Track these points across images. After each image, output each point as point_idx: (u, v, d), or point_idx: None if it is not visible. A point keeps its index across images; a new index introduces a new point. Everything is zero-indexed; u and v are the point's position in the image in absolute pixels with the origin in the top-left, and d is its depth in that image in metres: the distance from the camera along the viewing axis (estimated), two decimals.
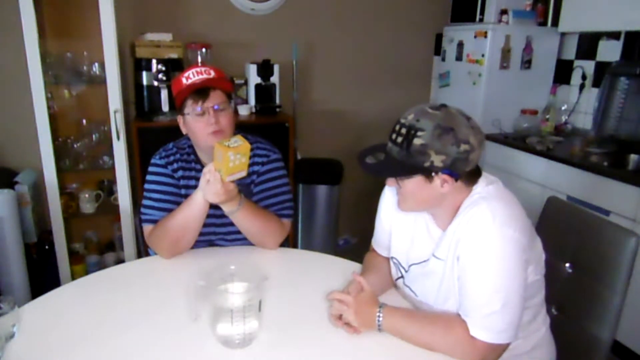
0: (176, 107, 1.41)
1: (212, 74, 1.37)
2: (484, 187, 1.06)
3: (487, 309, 0.98)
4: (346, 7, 3.20)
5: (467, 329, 0.99)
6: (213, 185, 1.22)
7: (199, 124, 1.34)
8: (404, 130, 1.00)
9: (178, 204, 1.42)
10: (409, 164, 1.00)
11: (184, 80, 1.36)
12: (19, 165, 2.64)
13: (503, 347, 1.00)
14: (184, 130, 1.43)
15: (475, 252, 1.00)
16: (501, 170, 2.75)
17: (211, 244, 1.49)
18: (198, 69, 1.36)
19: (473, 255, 1.01)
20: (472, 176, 1.06)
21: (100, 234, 2.85)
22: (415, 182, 1.03)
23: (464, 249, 1.02)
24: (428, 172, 1.01)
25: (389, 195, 1.25)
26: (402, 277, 1.22)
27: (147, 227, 1.42)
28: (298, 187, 2.93)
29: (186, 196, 1.44)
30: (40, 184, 2.50)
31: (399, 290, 1.25)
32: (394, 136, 1.02)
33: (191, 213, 1.33)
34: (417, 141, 0.98)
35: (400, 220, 1.22)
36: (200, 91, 1.34)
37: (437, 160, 0.98)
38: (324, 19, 3.17)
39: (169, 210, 1.40)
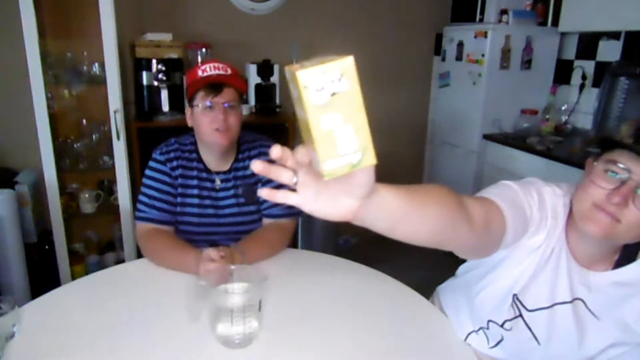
0: (187, 97, 1.41)
1: (229, 71, 1.38)
2: None
3: None
4: (346, 7, 3.20)
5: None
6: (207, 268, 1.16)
7: (206, 118, 1.33)
8: None
9: (172, 204, 1.42)
10: None
11: (199, 73, 1.35)
12: (19, 165, 2.64)
13: None
14: (189, 123, 1.42)
15: None
16: (501, 170, 2.75)
17: (211, 244, 1.48)
18: (215, 64, 1.36)
19: None
20: None
21: (100, 234, 2.85)
22: None
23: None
24: None
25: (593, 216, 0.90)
26: (519, 315, 1.00)
27: (140, 225, 1.42)
28: None
29: (181, 195, 1.43)
30: (40, 184, 2.50)
31: (476, 342, 1.08)
32: None
33: (182, 269, 1.30)
34: None
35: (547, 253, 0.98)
36: (214, 85, 1.33)
37: None
38: (324, 19, 3.17)
39: (163, 210, 1.40)
